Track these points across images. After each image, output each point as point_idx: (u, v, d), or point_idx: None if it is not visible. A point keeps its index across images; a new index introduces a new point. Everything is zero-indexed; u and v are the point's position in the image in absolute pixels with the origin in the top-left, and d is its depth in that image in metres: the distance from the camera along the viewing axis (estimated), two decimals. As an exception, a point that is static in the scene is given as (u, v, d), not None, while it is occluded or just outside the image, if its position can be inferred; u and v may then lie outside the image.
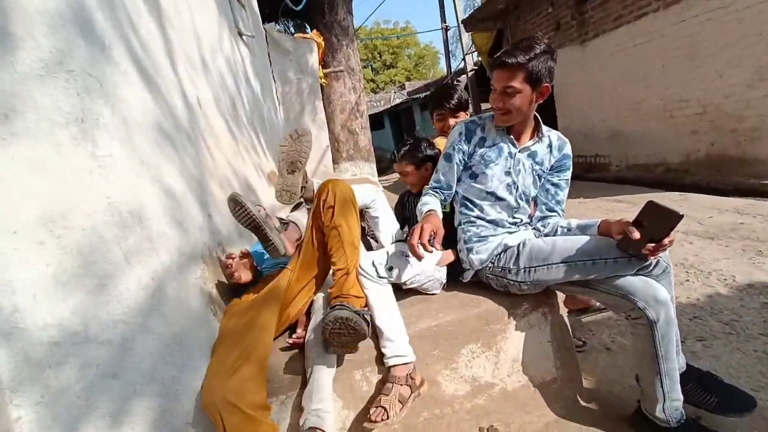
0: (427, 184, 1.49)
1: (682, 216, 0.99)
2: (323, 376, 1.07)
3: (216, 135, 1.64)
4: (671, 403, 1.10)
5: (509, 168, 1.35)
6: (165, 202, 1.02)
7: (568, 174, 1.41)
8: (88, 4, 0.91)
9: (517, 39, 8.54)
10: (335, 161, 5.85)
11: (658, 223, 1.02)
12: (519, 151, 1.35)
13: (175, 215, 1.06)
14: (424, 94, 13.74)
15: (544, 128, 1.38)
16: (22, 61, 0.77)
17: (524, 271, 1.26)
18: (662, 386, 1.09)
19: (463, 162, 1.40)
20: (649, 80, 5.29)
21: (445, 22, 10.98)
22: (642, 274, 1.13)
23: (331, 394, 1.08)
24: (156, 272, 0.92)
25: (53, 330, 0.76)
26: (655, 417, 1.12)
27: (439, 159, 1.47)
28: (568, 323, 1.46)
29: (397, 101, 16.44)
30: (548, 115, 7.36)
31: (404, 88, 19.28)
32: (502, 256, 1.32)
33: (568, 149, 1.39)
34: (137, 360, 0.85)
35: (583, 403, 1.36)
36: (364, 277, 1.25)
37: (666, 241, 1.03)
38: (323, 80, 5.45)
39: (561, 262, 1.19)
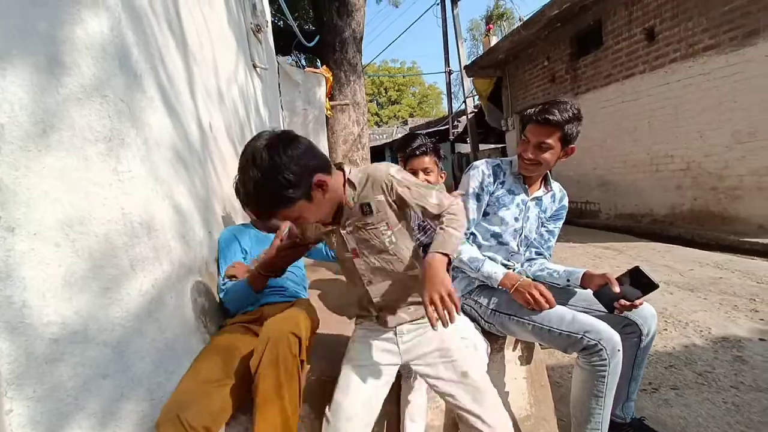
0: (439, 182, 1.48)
1: (659, 286, 1.16)
2: None
3: (224, 158, 1.75)
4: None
5: (518, 214, 1.42)
6: (173, 216, 1.10)
7: (561, 223, 1.52)
8: (128, 40, 1.04)
9: (516, 88, 8.99)
10: (334, 189, 5.98)
11: (636, 288, 1.17)
12: (530, 200, 1.44)
13: (180, 230, 1.14)
14: (426, 130, 14.33)
15: (551, 181, 1.48)
16: (66, 86, 0.88)
17: (491, 313, 1.32)
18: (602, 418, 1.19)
19: (486, 201, 1.44)
20: (636, 135, 5.59)
21: (448, 66, 11.61)
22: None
23: None
24: (157, 280, 0.98)
25: (55, 327, 0.81)
26: None
27: (468, 199, 1.43)
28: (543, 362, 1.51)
29: (399, 136, 16.98)
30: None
31: (407, 124, 19.99)
32: (480, 289, 1.39)
33: (566, 200, 1.51)
34: (128, 363, 0.90)
35: (555, 443, 1.39)
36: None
37: (637, 302, 1.16)
38: (329, 112, 5.70)
39: (522, 321, 1.23)
